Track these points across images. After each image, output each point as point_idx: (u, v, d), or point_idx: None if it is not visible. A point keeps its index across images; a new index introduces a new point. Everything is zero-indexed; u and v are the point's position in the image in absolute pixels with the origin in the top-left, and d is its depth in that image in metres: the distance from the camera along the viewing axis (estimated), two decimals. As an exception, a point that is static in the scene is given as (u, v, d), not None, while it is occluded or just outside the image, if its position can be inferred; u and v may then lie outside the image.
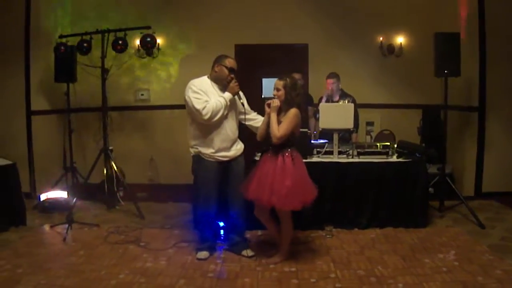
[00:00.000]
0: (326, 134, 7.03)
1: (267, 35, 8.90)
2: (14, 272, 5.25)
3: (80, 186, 8.02)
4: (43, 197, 7.72)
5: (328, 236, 6.35)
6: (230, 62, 5.57)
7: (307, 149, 6.60)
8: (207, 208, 5.66)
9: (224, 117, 5.49)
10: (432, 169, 7.52)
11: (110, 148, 7.85)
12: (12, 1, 8.18)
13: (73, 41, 7.81)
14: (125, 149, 8.79)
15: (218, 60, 5.60)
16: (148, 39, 7.84)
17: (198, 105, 5.33)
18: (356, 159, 6.69)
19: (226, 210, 5.85)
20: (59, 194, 7.79)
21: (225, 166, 5.64)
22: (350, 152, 6.76)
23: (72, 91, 8.10)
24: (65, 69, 7.95)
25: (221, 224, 6.21)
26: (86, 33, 7.66)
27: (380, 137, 7.98)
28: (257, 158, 6.09)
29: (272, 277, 5.15)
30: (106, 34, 7.57)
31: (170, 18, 8.96)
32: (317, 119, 7.46)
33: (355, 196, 6.61)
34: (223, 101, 5.41)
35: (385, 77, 8.90)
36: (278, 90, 5.35)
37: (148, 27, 7.69)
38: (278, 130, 5.20)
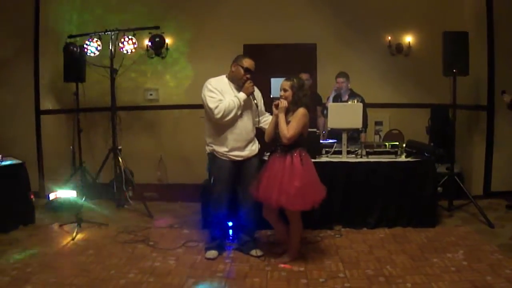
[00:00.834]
0: (335, 133, 7.03)
1: (275, 35, 8.89)
2: (23, 271, 5.27)
3: (89, 186, 8.05)
4: (52, 196, 7.74)
5: (337, 235, 6.36)
6: (247, 62, 5.57)
7: (316, 149, 6.60)
8: (218, 206, 5.69)
9: (238, 117, 5.51)
10: (441, 168, 7.50)
11: (119, 147, 7.87)
12: (21, 1, 8.22)
13: (82, 41, 7.83)
14: (134, 149, 8.80)
15: (236, 59, 5.62)
16: (157, 39, 7.85)
17: (211, 103, 5.37)
18: (364, 159, 6.69)
19: (236, 209, 5.86)
20: (68, 193, 7.81)
21: (239, 165, 5.65)
22: (359, 151, 6.76)
23: (81, 90, 8.14)
24: (74, 69, 7.99)
25: (231, 223, 6.22)
26: (95, 33, 7.68)
27: (389, 136, 7.98)
28: (265, 158, 6.09)
29: (281, 277, 5.15)
30: (115, 34, 7.59)
31: (179, 18, 8.96)
32: (325, 116, 7.47)
33: (364, 196, 6.60)
34: (236, 101, 5.43)
35: (394, 76, 8.88)
36: (285, 90, 5.35)
37: (157, 27, 7.70)
38: (288, 130, 5.20)
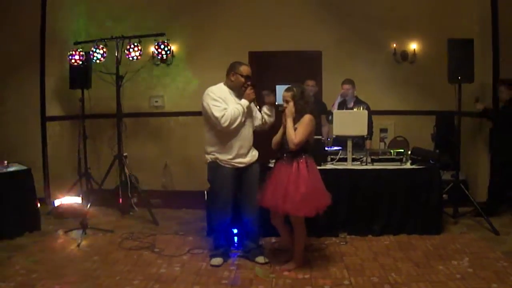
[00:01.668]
0: (340, 141, 7.03)
1: (281, 42, 8.91)
2: (28, 277, 5.28)
3: (94, 192, 8.06)
4: (57, 202, 7.77)
5: (342, 243, 6.35)
6: (245, 69, 5.59)
7: (321, 156, 6.60)
8: (223, 214, 5.68)
9: (242, 124, 5.52)
10: (446, 175, 7.49)
11: (125, 154, 7.88)
12: (28, 8, 8.27)
13: (88, 48, 7.86)
14: (139, 156, 8.82)
15: (233, 68, 5.61)
16: (163, 46, 7.87)
17: (217, 112, 5.37)
18: (370, 166, 6.69)
19: (240, 216, 5.85)
20: (74, 199, 7.83)
21: (240, 172, 5.65)
22: (364, 159, 6.76)
23: (86, 97, 8.15)
24: (80, 75, 8.03)
25: (235, 230, 6.22)
26: (101, 40, 7.70)
27: (394, 143, 7.98)
28: (270, 165, 6.09)
29: (286, 284, 5.14)
30: (121, 41, 7.62)
31: (184, 26, 9.00)
32: (330, 122, 7.47)
33: (369, 203, 6.60)
34: (240, 109, 5.44)
35: (399, 83, 8.88)
36: (287, 101, 5.35)
37: (163, 34, 7.72)
38: (295, 136, 5.20)
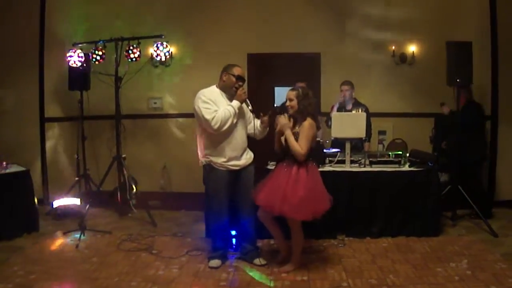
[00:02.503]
0: (338, 143, 7.04)
1: (279, 44, 8.91)
2: (27, 278, 5.28)
3: (93, 193, 8.06)
4: (56, 203, 7.76)
5: (340, 245, 6.36)
6: (237, 70, 5.61)
7: (319, 158, 6.60)
8: (219, 217, 5.68)
9: (233, 126, 5.52)
10: (444, 177, 7.50)
11: (123, 156, 7.89)
12: (27, 9, 8.28)
13: (87, 49, 7.87)
14: (137, 157, 8.82)
15: (226, 69, 5.65)
16: (162, 47, 7.87)
17: (207, 115, 5.37)
18: (368, 168, 6.70)
19: (237, 219, 5.86)
20: (72, 201, 7.83)
21: (236, 175, 5.65)
22: (362, 161, 6.77)
23: (85, 98, 8.17)
24: (79, 77, 8.04)
25: (233, 232, 6.22)
26: (100, 41, 7.71)
27: (393, 146, 7.99)
28: (269, 167, 6.10)
29: (284, 286, 5.15)
30: (120, 42, 7.62)
31: (183, 28, 8.98)
32: (329, 127, 7.47)
33: (367, 205, 6.61)
34: (231, 110, 5.44)
35: (398, 86, 8.88)
36: (290, 100, 5.37)
37: (161, 36, 7.72)
38: (301, 147, 5.22)
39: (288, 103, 5.41)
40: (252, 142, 5.90)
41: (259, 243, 6.12)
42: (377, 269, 5.55)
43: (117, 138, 7.88)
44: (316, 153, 6.09)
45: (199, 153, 5.72)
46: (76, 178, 8.26)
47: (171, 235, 6.87)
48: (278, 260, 5.74)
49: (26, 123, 8.39)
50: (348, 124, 6.63)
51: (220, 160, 5.55)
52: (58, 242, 6.67)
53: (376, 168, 6.68)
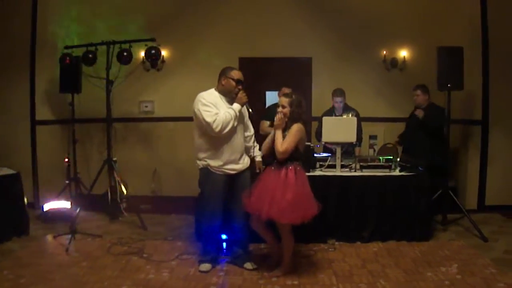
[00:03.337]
0: (330, 147, 7.05)
1: (271, 48, 8.94)
2: (16, 282, 5.26)
3: (84, 197, 8.02)
4: (46, 207, 7.74)
5: (330, 249, 6.36)
6: (236, 74, 5.58)
7: (310, 163, 6.61)
8: (212, 220, 5.66)
9: (233, 130, 5.51)
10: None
11: (114, 159, 7.87)
12: (18, 11, 8.26)
13: (78, 52, 7.85)
14: (128, 161, 8.82)
15: (224, 73, 5.61)
16: (153, 51, 7.87)
17: (208, 118, 5.34)
18: (358, 173, 6.71)
19: (229, 223, 5.84)
20: (63, 204, 7.81)
21: (232, 179, 5.64)
22: (353, 165, 6.78)
23: (76, 101, 8.14)
24: (70, 79, 8.00)
25: (224, 236, 6.21)
26: (91, 44, 7.71)
27: (383, 150, 7.98)
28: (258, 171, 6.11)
29: (275, 290, 5.16)
30: (111, 46, 7.61)
31: (175, 31, 8.98)
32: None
33: (358, 210, 6.61)
34: (232, 113, 5.42)
35: (389, 90, 8.91)
36: (283, 107, 5.36)
37: (153, 39, 7.72)
38: (281, 144, 5.22)
39: (280, 109, 5.40)
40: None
41: (250, 247, 6.09)
42: (367, 273, 5.55)
43: (108, 141, 7.86)
44: (306, 157, 6.11)
45: (197, 156, 5.70)
46: (67, 181, 8.22)
47: (162, 239, 6.85)
48: (268, 264, 5.73)
49: (17, 126, 8.36)
50: (338, 129, 6.63)
51: (217, 163, 5.53)
52: (48, 245, 6.65)
53: (366, 173, 6.69)
